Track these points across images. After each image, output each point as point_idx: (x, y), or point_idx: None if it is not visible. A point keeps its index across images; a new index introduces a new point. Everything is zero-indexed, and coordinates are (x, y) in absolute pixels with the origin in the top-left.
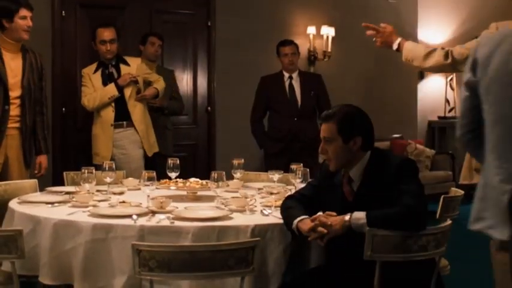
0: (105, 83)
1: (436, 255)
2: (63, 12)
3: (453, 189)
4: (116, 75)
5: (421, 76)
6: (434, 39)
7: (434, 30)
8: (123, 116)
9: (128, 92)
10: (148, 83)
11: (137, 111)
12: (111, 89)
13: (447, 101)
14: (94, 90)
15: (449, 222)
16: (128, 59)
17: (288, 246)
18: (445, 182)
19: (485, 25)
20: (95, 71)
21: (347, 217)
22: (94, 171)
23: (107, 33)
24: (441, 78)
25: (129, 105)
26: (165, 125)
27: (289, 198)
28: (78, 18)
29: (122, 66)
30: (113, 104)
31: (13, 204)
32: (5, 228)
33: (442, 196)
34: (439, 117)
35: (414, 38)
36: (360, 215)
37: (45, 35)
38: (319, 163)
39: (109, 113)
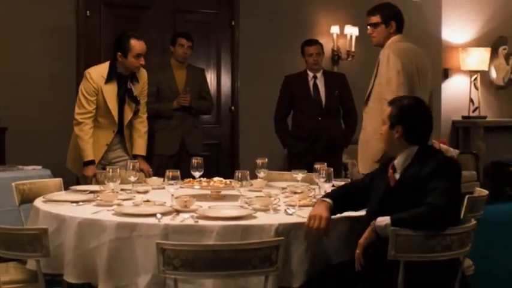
0: (120, 100)
1: (460, 255)
2: (88, 12)
3: (477, 189)
4: (134, 91)
5: (445, 75)
6: (457, 39)
7: (458, 30)
8: (116, 136)
9: (129, 113)
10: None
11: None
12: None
13: (471, 100)
14: (94, 103)
15: (473, 222)
16: (139, 72)
17: (311, 245)
18: (469, 182)
19: (509, 24)
20: (108, 80)
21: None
22: (118, 170)
23: (142, 46)
24: (465, 77)
25: (125, 124)
26: (194, 123)
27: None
28: (102, 18)
29: (135, 84)
30: (117, 126)
31: (38, 203)
32: (30, 226)
33: (467, 196)
34: (463, 117)
35: (438, 38)
36: (382, 218)
37: (69, 35)
38: (343, 163)
39: (109, 134)
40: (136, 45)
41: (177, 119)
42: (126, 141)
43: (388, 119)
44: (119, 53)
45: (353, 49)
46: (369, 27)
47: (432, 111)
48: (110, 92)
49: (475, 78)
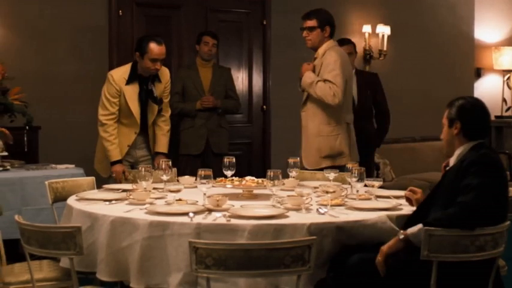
0: (141, 101)
1: (493, 255)
2: (120, 11)
3: (511, 189)
4: (154, 92)
5: (478, 75)
6: (490, 38)
7: (491, 29)
8: (141, 131)
9: (153, 114)
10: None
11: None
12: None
13: (504, 100)
14: (117, 105)
15: (507, 222)
16: (161, 71)
17: (343, 243)
18: None
19: None
20: (129, 81)
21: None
22: (151, 169)
23: (161, 51)
24: (498, 76)
25: (149, 124)
26: (219, 123)
27: None
28: (134, 17)
29: (157, 84)
30: (138, 128)
31: (71, 201)
32: (64, 224)
33: None
34: (496, 117)
35: (470, 36)
36: (413, 227)
37: (101, 34)
38: (375, 162)
39: (131, 135)
40: (155, 49)
41: (201, 119)
42: (150, 141)
43: (447, 119)
44: (137, 53)
45: (385, 48)
46: (304, 31)
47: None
48: (132, 93)
49: (508, 78)
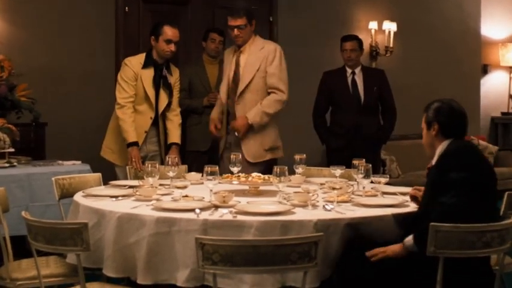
0: (156, 85)
1: (500, 252)
2: (127, 8)
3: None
4: (169, 79)
5: (485, 71)
6: (497, 35)
7: (498, 25)
8: (153, 122)
9: (164, 101)
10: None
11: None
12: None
13: (511, 96)
14: (134, 88)
15: None
16: (171, 67)
17: (350, 239)
18: (509, 178)
19: None
20: (145, 66)
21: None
22: (158, 165)
23: (175, 33)
24: (505, 73)
25: (160, 112)
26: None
27: None
28: (141, 14)
29: (168, 75)
30: (154, 112)
31: (78, 197)
32: (70, 221)
33: (506, 193)
34: (503, 113)
35: (477, 33)
36: (409, 237)
37: (108, 31)
38: (381, 159)
39: (147, 120)
40: (169, 30)
41: (209, 115)
42: (160, 134)
43: (425, 123)
44: (152, 37)
45: (391, 45)
46: (236, 29)
47: None
48: (148, 76)
49: None
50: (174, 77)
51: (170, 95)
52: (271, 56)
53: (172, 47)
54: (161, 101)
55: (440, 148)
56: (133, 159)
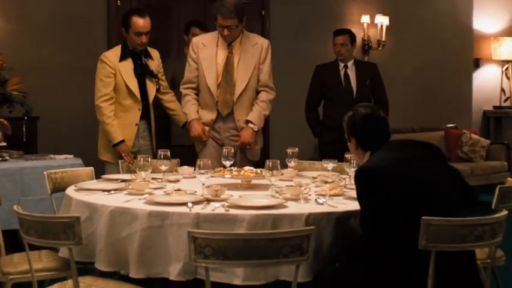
0: (138, 75)
1: (491, 245)
2: (119, 1)
3: (509, 179)
4: (150, 66)
5: (477, 65)
6: (489, 29)
7: (490, 20)
8: (144, 114)
9: (152, 89)
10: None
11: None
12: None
13: (503, 90)
14: (112, 85)
15: (505, 212)
16: (149, 50)
17: (342, 233)
18: (500, 172)
19: None
20: (122, 58)
21: None
22: (150, 159)
23: (144, 24)
24: (497, 67)
25: (150, 102)
26: None
27: None
28: (133, 7)
29: (150, 60)
30: (141, 104)
31: (70, 191)
32: (62, 215)
33: (498, 186)
34: (495, 107)
35: (469, 27)
36: None
37: (100, 25)
38: None
39: (136, 113)
40: (137, 22)
41: None
42: (152, 127)
43: (347, 137)
44: (123, 29)
45: (383, 38)
46: (225, 29)
47: None
48: (127, 69)
49: (507, 68)
50: (156, 60)
51: (157, 82)
52: (265, 53)
53: (143, 39)
54: (149, 90)
55: (364, 162)
56: (123, 154)
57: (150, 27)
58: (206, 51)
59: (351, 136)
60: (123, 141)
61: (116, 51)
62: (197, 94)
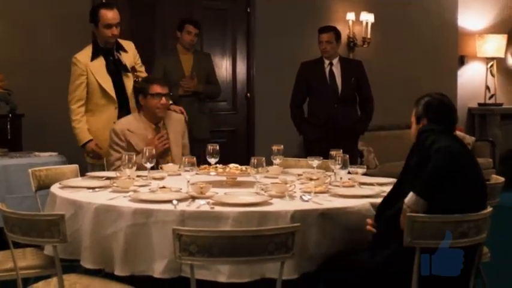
0: (112, 73)
1: (476, 241)
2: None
3: (494, 176)
4: (123, 61)
5: (461, 62)
6: (474, 26)
7: (475, 17)
8: (124, 110)
9: (129, 84)
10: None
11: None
12: None
13: (487, 87)
14: (86, 83)
15: (490, 209)
16: (123, 42)
17: (327, 230)
18: (485, 169)
19: None
20: (93, 57)
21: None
22: (134, 157)
23: (113, 16)
24: (482, 64)
25: (130, 99)
26: (201, 109)
27: None
28: (118, 4)
29: (123, 54)
30: (117, 103)
31: (55, 189)
32: (47, 212)
33: None
34: (479, 104)
35: (454, 24)
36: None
37: (85, 22)
38: (359, 150)
39: (112, 112)
40: (106, 14)
41: (183, 104)
42: None
43: (414, 117)
44: (92, 24)
45: (369, 36)
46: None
47: None
48: (99, 68)
49: (492, 65)
50: (131, 52)
51: (135, 74)
52: None
53: (114, 31)
54: (127, 85)
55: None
56: (93, 152)
57: (119, 19)
58: None
59: (423, 117)
60: (90, 140)
61: (87, 51)
62: None
